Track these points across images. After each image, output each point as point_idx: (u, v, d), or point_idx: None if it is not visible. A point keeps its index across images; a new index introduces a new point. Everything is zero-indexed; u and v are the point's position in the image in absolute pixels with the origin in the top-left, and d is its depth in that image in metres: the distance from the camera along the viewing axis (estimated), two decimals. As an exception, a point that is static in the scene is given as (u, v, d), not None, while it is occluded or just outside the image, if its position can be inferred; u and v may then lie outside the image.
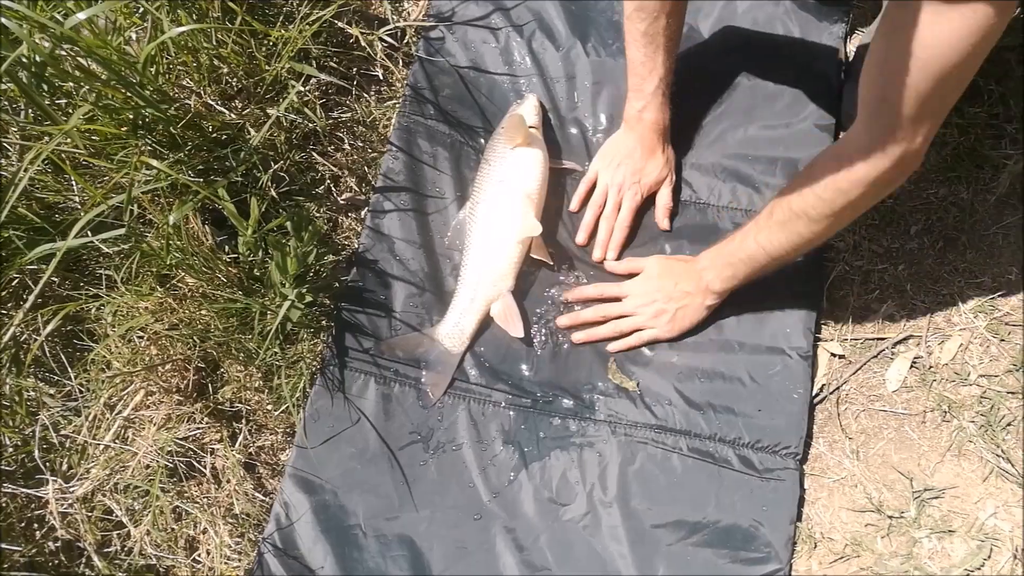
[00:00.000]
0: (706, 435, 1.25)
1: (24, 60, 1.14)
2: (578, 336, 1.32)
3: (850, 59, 1.48)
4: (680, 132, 1.41)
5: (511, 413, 1.29)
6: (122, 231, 1.14)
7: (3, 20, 1.04)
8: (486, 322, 1.33)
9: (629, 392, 1.28)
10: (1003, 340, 1.31)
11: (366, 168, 1.42)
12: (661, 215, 1.39)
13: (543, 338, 1.33)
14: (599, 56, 1.48)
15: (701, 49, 1.47)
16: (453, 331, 1.31)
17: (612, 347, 1.32)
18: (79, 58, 1.18)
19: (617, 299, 1.33)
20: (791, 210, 1.12)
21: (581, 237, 1.39)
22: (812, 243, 1.15)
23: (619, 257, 1.38)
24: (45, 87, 1.18)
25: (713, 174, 1.41)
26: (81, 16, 1.08)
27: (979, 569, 1.18)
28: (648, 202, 1.40)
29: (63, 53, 1.19)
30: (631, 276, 1.35)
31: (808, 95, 1.43)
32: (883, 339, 1.33)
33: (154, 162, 1.12)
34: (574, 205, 1.41)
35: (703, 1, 1.50)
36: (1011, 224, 1.37)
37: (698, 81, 1.40)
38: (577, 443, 1.27)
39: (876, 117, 0.98)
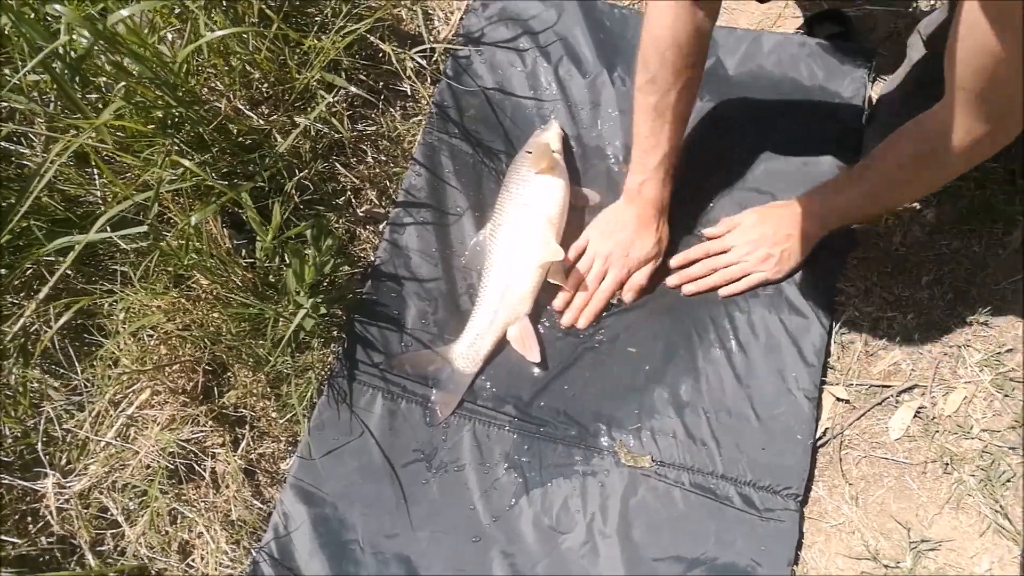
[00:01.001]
0: (708, 471, 1.26)
1: (60, 51, 1.14)
2: (688, 288, 1.36)
3: (873, 104, 1.50)
4: (698, 167, 1.42)
5: (515, 437, 1.29)
6: (144, 228, 1.14)
7: (56, 6, 1.04)
8: (500, 344, 1.33)
9: (645, 467, 1.27)
10: (1007, 396, 1.32)
11: (387, 182, 1.43)
12: (628, 288, 1.37)
13: (555, 365, 1.34)
14: (625, 86, 1.50)
15: (726, 86, 1.49)
16: (468, 351, 1.31)
17: (724, 292, 1.35)
18: (114, 54, 1.18)
19: (723, 252, 1.36)
20: (893, 173, 1.21)
21: (559, 302, 1.37)
22: (916, 198, 1.31)
23: (586, 326, 1.36)
24: (78, 80, 1.18)
25: (729, 210, 1.43)
26: (124, 13, 1.09)
27: (973, 625, 1.18)
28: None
29: (98, 48, 1.19)
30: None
31: (830, 137, 1.45)
32: (888, 387, 1.34)
33: (185, 162, 1.12)
34: (571, 255, 1.39)
35: (729, 36, 1.52)
36: (1020, 280, 1.38)
37: (720, 117, 1.41)
38: (580, 471, 1.27)
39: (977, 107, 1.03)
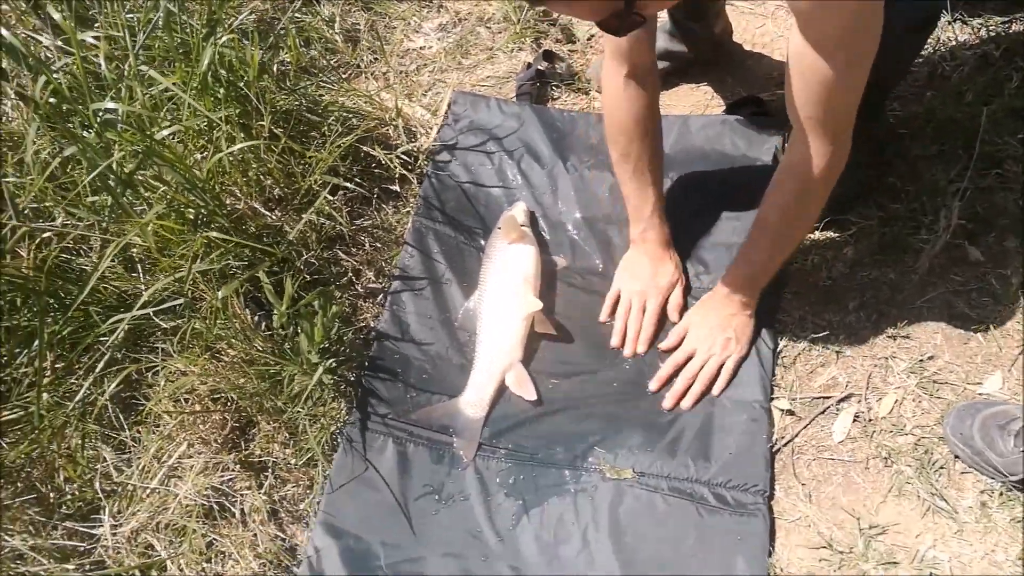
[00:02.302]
0: (684, 477, 1.42)
1: (113, 168, 1.40)
2: (686, 403, 1.50)
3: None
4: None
5: (511, 465, 1.46)
6: (180, 301, 1.37)
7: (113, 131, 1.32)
8: (501, 390, 1.53)
9: (628, 477, 1.44)
10: (932, 396, 1.50)
11: (384, 263, 1.68)
12: (673, 310, 1.62)
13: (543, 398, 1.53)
14: (577, 171, 1.79)
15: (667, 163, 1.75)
16: (475, 399, 1.51)
17: (716, 391, 1.50)
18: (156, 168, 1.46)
19: (689, 358, 1.53)
20: (779, 226, 1.41)
21: (615, 340, 1.60)
22: (805, 236, 1.47)
23: (647, 349, 1.59)
24: (128, 191, 1.45)
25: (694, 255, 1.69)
26: (165, 132, 1.36)
27: (923, 597, 1.32)
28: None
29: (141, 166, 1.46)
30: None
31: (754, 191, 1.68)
32: (828, 397, 1.53)
33: (214, 233, 1.36)
34: (604, 316, 1.63)
35: (664, 121, 1.80)
36: (933, 297, 1.59)
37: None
38: (571, 490, 1.44)
39: (819, 131, 1.24)
